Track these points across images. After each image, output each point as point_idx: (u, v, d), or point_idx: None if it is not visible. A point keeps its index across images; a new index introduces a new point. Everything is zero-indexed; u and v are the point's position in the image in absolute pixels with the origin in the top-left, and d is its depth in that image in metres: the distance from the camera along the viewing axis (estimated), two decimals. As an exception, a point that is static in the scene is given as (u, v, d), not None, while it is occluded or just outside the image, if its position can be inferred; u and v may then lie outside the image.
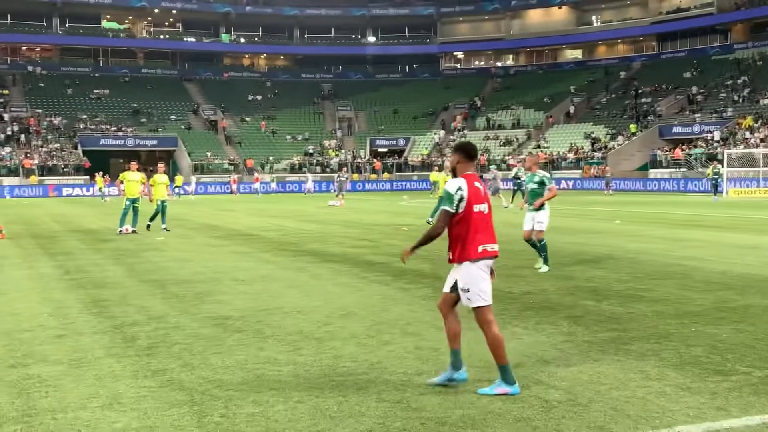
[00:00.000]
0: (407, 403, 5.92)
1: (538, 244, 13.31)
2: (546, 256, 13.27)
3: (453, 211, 6.08)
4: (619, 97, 72.09)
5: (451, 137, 72.30)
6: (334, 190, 45.48)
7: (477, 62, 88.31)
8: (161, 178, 23.60)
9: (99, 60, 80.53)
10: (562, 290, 11.06)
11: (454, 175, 6.33)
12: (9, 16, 75.91)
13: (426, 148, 71.68)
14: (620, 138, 63.59)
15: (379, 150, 72.65)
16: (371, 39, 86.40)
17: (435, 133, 73.80)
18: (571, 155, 63.56)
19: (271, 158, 68.12)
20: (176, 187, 54.96)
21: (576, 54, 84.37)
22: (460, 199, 6.08)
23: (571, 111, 72.29)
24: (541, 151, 64.75)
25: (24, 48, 78.35)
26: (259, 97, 79.75)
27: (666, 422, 5.40)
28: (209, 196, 55.87)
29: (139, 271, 13.97)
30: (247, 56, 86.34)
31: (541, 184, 13.27)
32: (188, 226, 24.20)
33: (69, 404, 6.03)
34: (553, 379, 6.52)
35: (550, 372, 6.73)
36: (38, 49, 78.96)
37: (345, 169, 64.33)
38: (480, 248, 6.13)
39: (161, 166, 24.76)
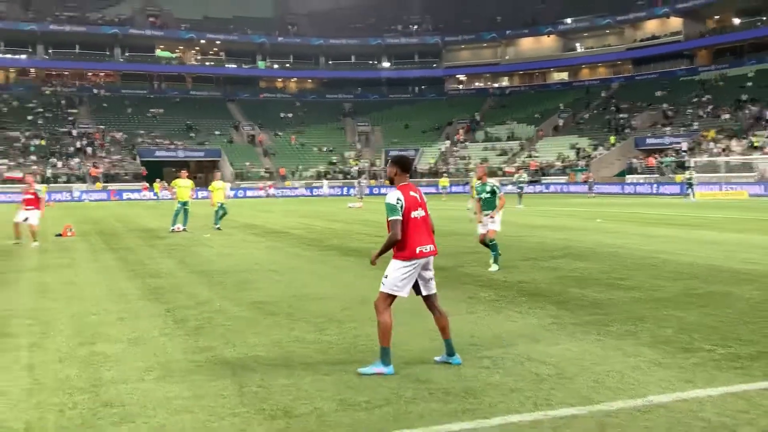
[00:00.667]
0: (417, 376, 5.93)
1: (489, 244, 12.39)
2: (497, 256, 12.26)
3: (401, 217, 6.02)
4: (600, 113, 71.72)
5: (454, 148, 72.18)
6: (355, 194, 45.47)
7: (477, 83, 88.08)
8: (218, 183, 23.55)
9: (154, 84, 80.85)
10: (550, 279, 11.03)
11: (392, 184, 6.30)
12: (77, 46, 76.37)
13: (433, 157, 71.57)
14: (601, 148, 63.30)
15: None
16: (386, 64, 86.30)
17: (440, 145, 73.67)
18: (558, 163, 63.31)
19: (300, 167, 68.22)
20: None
21: (562, 76, 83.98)
22: (401, 207, 6.04)
23: (559, 125, 71.99)
24: (533, 160, 64.53)
25: (90, 74, 78.78)
26: (290, 115, 79.85)
27: (641, 393, 5.38)
28: (248, 200, 56.04)
29: (188, 263, 14.03)
30: (279, 80, 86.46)
31: (493, 192, 12.55)
32: (230, 225, 24.26)
33: (129, 376, 6.07)
34: (543, 356, 6.50)
35: (540, 350, 6.72)
36: (102, 74, 79.37)
37: (364, 175, 64.36)
38: (417, 249, 6.09)
39: (217, 173, 24.91)
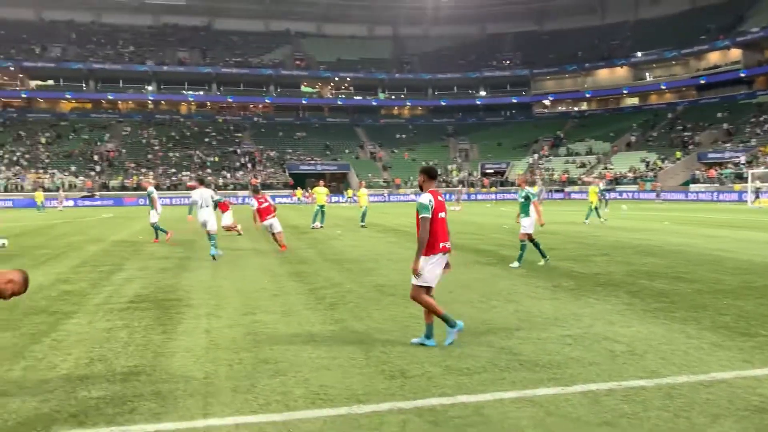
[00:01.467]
0: (509, 349, 5.84)
1: (532, 243, 11.64)
2: (522, 255, 11.53)
3: (430, 215, 5.85)
4: (667, 132, 67.94)
5: (540, 162, 70.31)
6: (455, 200, 45.12)
7: (560, 107, 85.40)
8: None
9: (299, 113, 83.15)
10: (623, 272, 10.58)
11: (422, 190, 6.08)
12: (241, 84, 79.64)
13: (521, 169, 70.02)
14: (667, 162, 60.00)
15: (487, 171, 71.58)
16: (482, 93, 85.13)
17: (528, 159, 71.99)
18: (630, 174, 60.48)
19: (411, 177, 68.40)
20: (348, 197, 56.15)
21: (634, 100, 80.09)
22: (431, 207, 5.89)
23: (631, 142, 68.75)
24: (608, 171, 61.95)
25: (251, 105, 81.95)
26: (404, 136, 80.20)
27: (704, 369, 5.10)
28: (369, 204, 56.58)
29: (324, 253, 14.32)
30: (396, 108, 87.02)
31: (526, 198, 11.66)
32: (356, 223, 24.67)
33: (281, 340, 6.29)
34: (617, 335, 6.27)
35: (615, 331, 6.48)
36: (260, 106, 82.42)
37: (463, 184, 63.81)
38: (440, 245, 5.95)
39: (362, 182, 25.64)
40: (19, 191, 55.82)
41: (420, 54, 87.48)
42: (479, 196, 63.15)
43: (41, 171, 60.82)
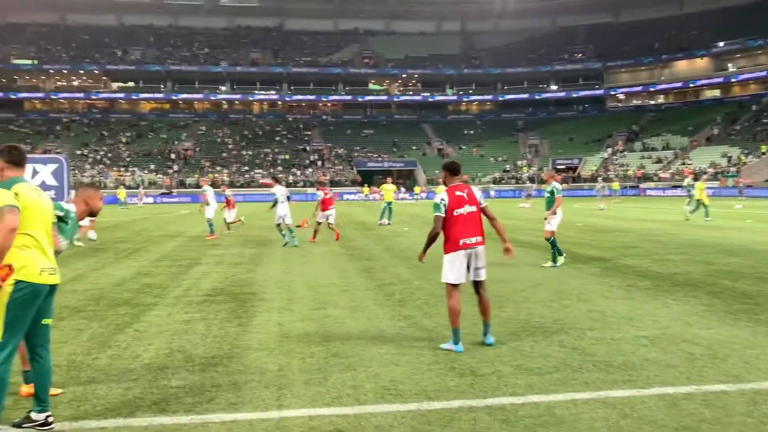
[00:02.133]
0: (582, 349, 5.72)
1: (549, 242, 11.32)
2: (554, 253, 11.17)
3: (441, 214, 5.78)
4: (751, 125, 64.55)
5: (614, 157, 68.21)
6: (524, 196, 44.35)
7: (635, 101, 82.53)
8: (389, 186, 23.80)
9: (367, 110, 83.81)
10: (703, 272, 10.14)
11: (446, 185, 6.02)
12: (311, 83, 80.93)
13: (594, 165, 68.13)
14: (751, 156, 56.99)
15: (559, 167, 70.02)
16: (553, 87, 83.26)
17: (601, 154, 69.93)
18: (710, 170, 57.80)
19: (479, 174, 67.73)
20: (415, 194, 56.21)
21: (715, 93, 76.50)
22: (443, 206, 5.79)
23: (712, 135, 65.69)
24: (686, 167, 59.42)
25: (320, 104, 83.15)
26: (471, 132, 79.49)
27: (792, 376, 4.83)
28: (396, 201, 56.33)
29: (392, 249, 14.37)
30: (463, 104, 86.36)
31: (551, 193, 11.47)
32: (422, 220, 24.65)
33: (351, 335, 6.38)
34: (696, 338, 6.02)
35: (694, 333, 6.23)
36: (329, 104, 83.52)
37: (532, 180, 62.73)
38: (461, 241, 5.78)
39: (388, 178, 25.68)
40: (102, 188, 58.78)
41: (488, 49, 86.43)
42: (546, 194, 61.71)
43: (123, 169, 63.79)
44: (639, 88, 79.83)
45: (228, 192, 20.70)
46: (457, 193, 5.87)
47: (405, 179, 67.20)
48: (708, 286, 8.82)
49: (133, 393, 4.69)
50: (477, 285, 5.96)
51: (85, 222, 16.50)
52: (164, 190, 60.01)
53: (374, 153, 71.90)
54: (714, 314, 7.01)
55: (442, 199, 5.83)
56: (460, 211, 5.80)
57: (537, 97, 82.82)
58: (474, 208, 5.86)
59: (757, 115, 66.43)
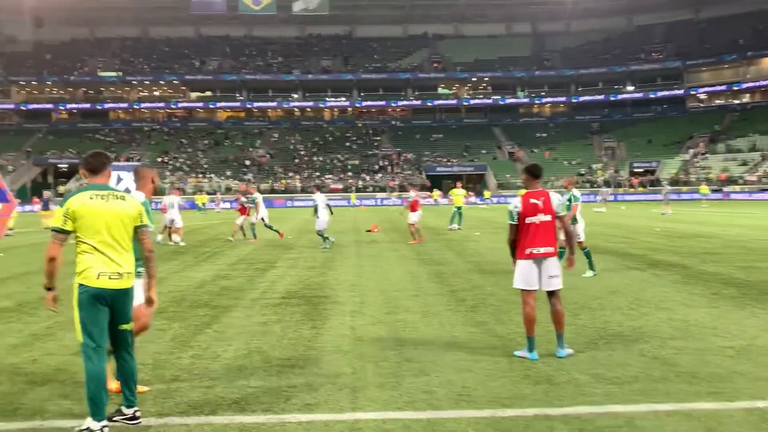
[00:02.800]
0: (664, 359, 5.51)
1: (582, 252, 11.00)
2: (590, 262, 10.80)
3: (514, 222, 5.70)
4: None
5: (695, 160, 65.33)
6: (600, 200, 43.11)
7: (717, 101, 78.78)
8: (458, 191, 23.65)
9: (436, 115, 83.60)
10: (795, 280, 9.56)
11: (526, 189, 5.90)
12: (381, 89, 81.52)
13: (674, 168, 65.43)
14: None
15: (636, 170, 67.62)
16: (629, 88, 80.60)
17: (682, 157, 67.07)
18: (802, 172, 54.46)
19: (551, 178, 66.29)
20: (486, 199, 55.63)
21: (806, 90, 72.10)
22: (516, 214, 5.68)
23: (802, 136, 61.87)
24: (774, 169, 56.20)
25: (389, 109, 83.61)
26: (544, 135, 77.92)
27: None
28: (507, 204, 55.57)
29: (463, 254, 14.28)
30: (535, 106, 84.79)
31: (570, 200, 10.89)
32: (493, 225, 24.37)
33: (424, 340, 6.38)
34: (789, 349, 5.69)
35: (786, 344, 5.89)
36: (398, 109, 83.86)
37: (608, 184, 60.88)
38: (527, 251, 5.62)
39: (458, 183, 25.52)
40: (183, 194, 61.26)
41: (561, 50, 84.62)
42: (627, 197, 59.89)
43: (201, 175, 66.17)
44: (722, 87, 76.17)
45: (243, 199, 20.01)
46: (532, 200, 5.75)
47: (475, 184, 66.59)
48: (801, 295, 8.32)
49: (214, 392, 4.86)
50: (549, 294, 5.82)
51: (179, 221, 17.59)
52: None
53: (443, 157, 71.65)
54: (808, 325, 6.61)
55: (516, 206, 5.77)
56: (533, 219, 5.70)
57: (612, 99, 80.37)
58: (548, 218, 5.72)
59: None
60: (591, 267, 10.86)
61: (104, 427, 4.00)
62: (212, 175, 66.11)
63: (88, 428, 3.97)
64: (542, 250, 5.66)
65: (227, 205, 56.37)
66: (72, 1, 75.73)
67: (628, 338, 6.27)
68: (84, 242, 4.10)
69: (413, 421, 4.18)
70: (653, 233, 19.18)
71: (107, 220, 4.11)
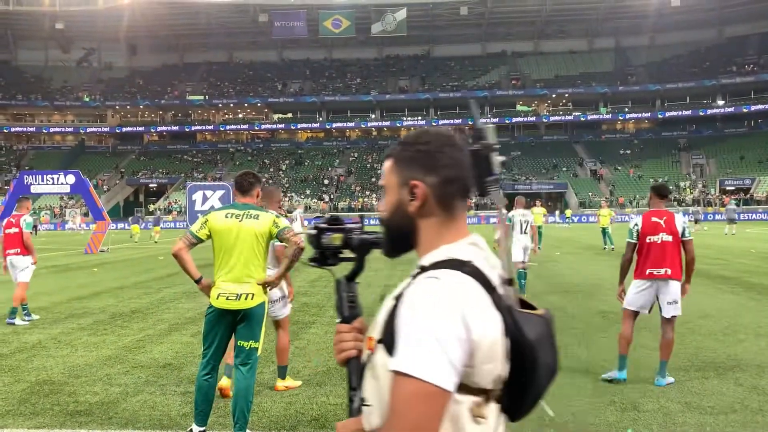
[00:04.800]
0: (763, 389, 5.18)
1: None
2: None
3: (633, 240, 5.55)
4: None
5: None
6: (691, 219, 41.10)
7: (819, 114, 73.87)
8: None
9: (514, 132, 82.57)
10: None
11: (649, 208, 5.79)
12: (457, 107, 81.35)
13: (769, 186, 61.74)
14: None
15: (727, 188, 64.24)
16: (720, 102, 76.89)
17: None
18: None
19: (637, 196, 63.94)
20: (567, 218, 54.29)
21: None
22: (636, 233, 5.52)
23: None
24: None
25: (467, 128, 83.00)
26: (628, 152, 75.36)
27: None
28: (587, 224, 54.15)
29: (543, 276, 14.00)
30: (619, 122, 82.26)
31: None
32: (575, 245, 23.71)
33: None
34: None
35: None
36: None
37: (698, 203, 58.09)
38: (647, 271, 5.40)
39: (605, 202, 25.10)
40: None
41: (646, 64, 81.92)
42: (717, 216, 56.91)
43: (282, 194, 68.09)
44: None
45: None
46: (654, 219, 5.61)
47: (555, 202, 65.18)
48: None
49: (295, 408, 4.95)
50: (665, 321, 5.60)
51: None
52: (319, 214, 63.17)
53: (522, 176, 70.59)
54: None
55: (636, 225, 5.68)
56: (654, 238, 5.55)
57: (701, 114, 76.93)
58: (670, 238, 5.52)
59: None
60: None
61: None
62: (293, 194, 67.85)
63: None
64: (662, 271, 5.50)
65: (306, 223, 57.72)
66: (164, 27, 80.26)
67: (722, 366, 5.95)
68: (216, 259, 4.34)
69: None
70: (748, 254, 18.13)
71: (234, 238, 4.25)
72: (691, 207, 49.58)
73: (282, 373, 5.61)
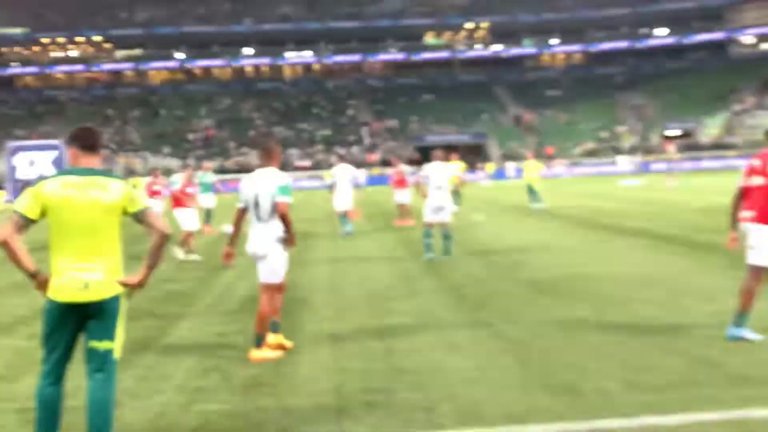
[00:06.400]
0: (710, 360, 5.68)
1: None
2: (428, 244, 12.24)
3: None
4: None
5: (741, 117, 66.06)
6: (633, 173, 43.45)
7: (766, 45, 79.55)
8: (531, 162, 24.60)
9: (423, 71, 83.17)
10: None
11: None
12: (355, 41, 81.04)
13: (715, 128, 66.12)
14: None
15: (669, 133, 68.25)
16: (660, 32, 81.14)
17: (725, 115, 67.75)
18: None
19: (568, 145, 66.72)
20: (488, 174, 55.88)
21: None
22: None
23: None
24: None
25: (366, 65, 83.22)
26: (557, 93, 78.35)
27: None
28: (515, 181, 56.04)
29: (462, 243, 14.29)
30: (545, 56, 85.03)
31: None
32: (500, 207, 24.56)
33: (419, 347, 6.50)
34: None
35: None
36: (377, 66, 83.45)
37: (641, 151, 61.49)
38: None
39: (530, 152, 25.98)
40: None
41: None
42: (655, 166, 60.30)
43: (132, 154, 65.71)
44: (772, 29, 76.97)
45: (147, 179, 18.45)
46: None
47: (474, 155, 66.83)
48: None
49: (167, 419, 4.93)
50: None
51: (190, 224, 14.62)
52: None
53: (434, 124, 71.76)
54: None
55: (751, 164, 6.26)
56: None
57: (639, 46, 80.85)
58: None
59: None
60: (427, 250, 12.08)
61: None
62: (146, 154, 65.68)
63: None
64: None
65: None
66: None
67: (665, 336, 6.43)
68: (53, 241, 4.19)
69: (411, 444, 4.29)
70: (690, 209, 19.48)
71: (80, 213, 4.12)
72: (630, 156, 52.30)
73: (275, 328, 6.53)
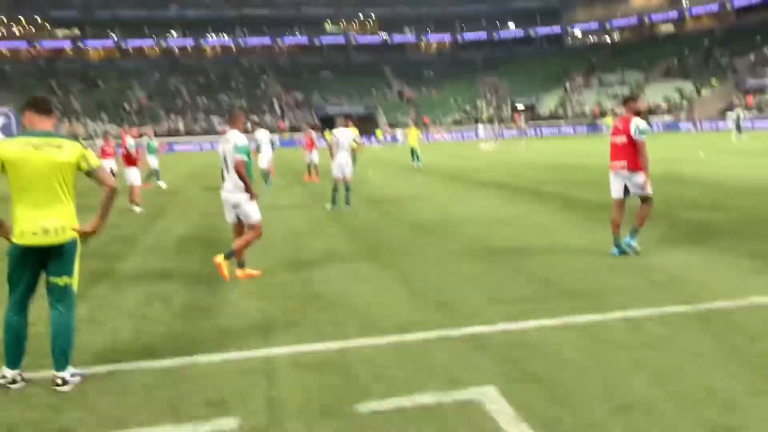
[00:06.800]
0: (548, 279, 5.99)
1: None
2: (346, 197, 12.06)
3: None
4: (704, 59, 65.45)
5: (572, 95, 68.71)
6: (490, 137, 44.58)
7: (592, 38, 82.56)
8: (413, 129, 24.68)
9: (324, 54, 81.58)
10: (659, 202, 10.48)
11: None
12: (266, 26, 78.30)
13: (553, 102, 68.60)
14: (704, 90, 58.13)
15: (518, 107, 70.23)
16: (511, 25, 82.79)
17: (559, 92, 70.30)
18: (664, 105, 58.88)
19: (441, 115, 67.56)
20: (378, 139, 55.94)
21: (669, 28, 77.00)
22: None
23: (667, 70, 66.38)
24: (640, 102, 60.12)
25: (276, 48, 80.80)
26: (431, 73, 78.73)
27: (742, 295, 5.19)
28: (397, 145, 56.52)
29: (358, 194, 14.36)
30: (423, 44, 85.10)
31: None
32: (384, 164, 24.74)
33: (328, 278, 6.50)
34: (657, 265, 6.34)
35: (654, 261, 6.55)
36: (285, 48, 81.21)
37: (499, 121, 63.06)
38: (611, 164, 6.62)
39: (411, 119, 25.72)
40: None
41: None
42: (509, 133, 62.11)
43: (75, 121, 61.67)
44: (596, 25, 79.91)
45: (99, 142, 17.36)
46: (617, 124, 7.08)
47: (366, 124, 66.62)
48: (664, 217, 9.14)
49: (120, 339, 4.79)
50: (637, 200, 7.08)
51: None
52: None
53: (333, 97, 70.89)
54: (672, 244, 7.39)
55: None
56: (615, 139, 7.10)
57: (495, 36, 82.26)
58: (624, 139, 6.85)
59: (709, 49, 67.40)
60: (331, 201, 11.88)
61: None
62: (87, 120, 61.80)
63: None
64: (618, 164, 6.96)
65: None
66: None
67: (516, 262, 6.75)
68: (13, 194, 3.95)
69: (325, 351, 4.36)
70: (536, 166, 20.27)
71: (37, 169, 3.87)
72: (494, 125, 53.31)
73: (229, 255, 6.48)
